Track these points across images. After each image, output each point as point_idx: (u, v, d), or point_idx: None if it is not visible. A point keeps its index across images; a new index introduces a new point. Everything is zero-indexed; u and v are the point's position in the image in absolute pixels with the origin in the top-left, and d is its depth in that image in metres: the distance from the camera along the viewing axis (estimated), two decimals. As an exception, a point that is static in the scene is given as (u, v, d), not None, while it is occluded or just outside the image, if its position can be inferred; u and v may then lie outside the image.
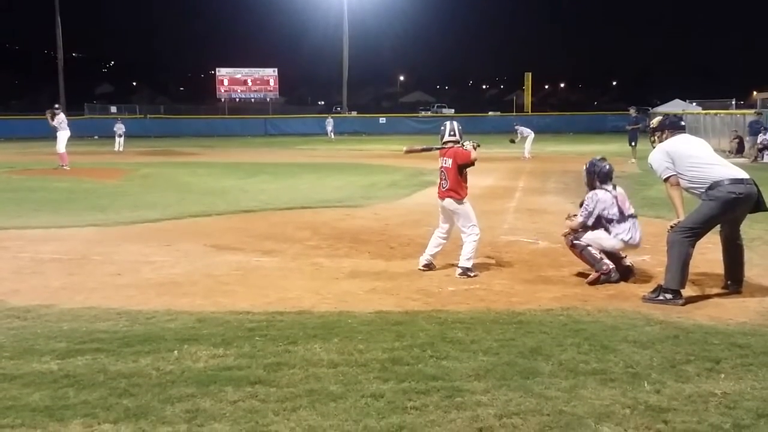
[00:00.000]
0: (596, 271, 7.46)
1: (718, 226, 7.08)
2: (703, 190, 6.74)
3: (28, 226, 11.45)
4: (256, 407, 4.22)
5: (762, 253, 8.73)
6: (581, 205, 7.89)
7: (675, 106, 55.85)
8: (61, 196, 15.86)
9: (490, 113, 70.12)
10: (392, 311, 6.33)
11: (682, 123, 7.49)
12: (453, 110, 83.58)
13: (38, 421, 4.05)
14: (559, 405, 4.22)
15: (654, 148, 7.25)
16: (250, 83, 77.19)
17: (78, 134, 32.84)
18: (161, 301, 6.73)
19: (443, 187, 8.25)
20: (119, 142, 35.79)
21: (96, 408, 4.21)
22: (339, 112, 67.42)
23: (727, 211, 6.75)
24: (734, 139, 29.37)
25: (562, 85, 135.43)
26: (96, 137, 45.65)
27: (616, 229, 7.57)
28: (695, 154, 6.94)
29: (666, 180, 6.91)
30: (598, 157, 8.03)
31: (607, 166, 7.85)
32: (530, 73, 73.22)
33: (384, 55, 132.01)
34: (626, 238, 7.53)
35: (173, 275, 7.93)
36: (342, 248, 9.53)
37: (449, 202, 8.15)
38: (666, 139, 7.17)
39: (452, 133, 8.42)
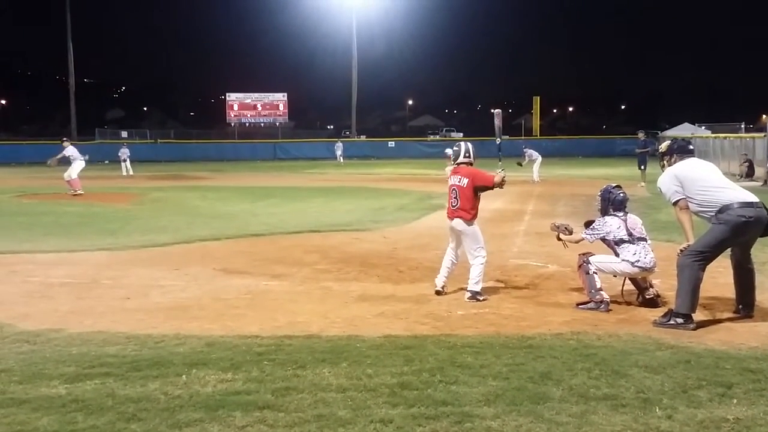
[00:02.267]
0: (589, 299, 7.45)
1: (729, 250, 7.03)
2: (713, 214, 6.72)
3: (39, 250, 11.50)
4: (264, 432, 4.19)
5: (773, 277, 8.65)
6: (587, 225, 7.90)
7: (684, 130, 55.84)
8: (72, 221, 15.93)
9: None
10: (401, 335, 6.30)
11: (691, 147, 7.47)
12: (462, 134, 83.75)
13: (46, 446, 4.04)
14: (569, 431, 4.18)
15: (663, 171, 7.25)
16: (259, 108, 77.70)
17: (89, 159, 33.19)
18: (170, 326, 6.72)
19: (453, 206, 8.26)
20: (126, 167, 35.90)
21: (104, 433, 4.19)
22: (348, 136, 67.68)
23: (737, 234, 6.71)
24: (744, 162, 29.28)
25: (570, 108, 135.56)
26: (107, 162, 45.89)
27: (623, 251, 7.54)
28: (705, 177, 6.94)
29: (675, 204, 6.90)
30: (614, 185, 8.04)
31: (622, 195, 7.86)
32: (539, 97, 73.53)
33: (393, 79, 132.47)
34: (633, 260, 7.48)
35: (182, 299, 7.93)
36: (351, 272, 9.52)
37: (458, 222, 8.17)
38: (675, 162, 7.17)
39: (467, 154, 8.38)
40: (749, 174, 28.51)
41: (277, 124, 77.86)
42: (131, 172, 35.48)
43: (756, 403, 4.60)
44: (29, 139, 62.91)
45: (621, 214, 7.76)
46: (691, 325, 6.53)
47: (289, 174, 36.84)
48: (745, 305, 7.09)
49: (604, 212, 7.83)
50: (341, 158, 51.11)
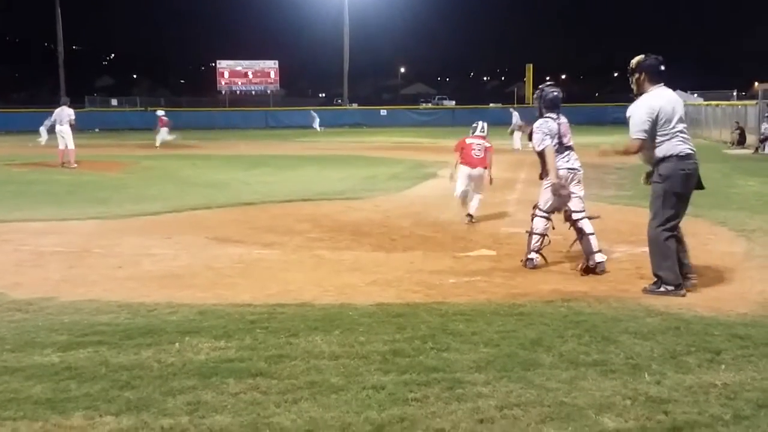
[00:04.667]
0: (586, 260, 7.52)
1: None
2: (654, 163, 6.63)
3: (29, 219, 11.46)
4: (257, 399, 4.23)
5: (762, 244, 8.73)
6: (530, 137, 7.84)
7: (676, 97, 55.69)
8: (62, 189, 15.87)
9: (491, 105, 69.96)
10: (393, 303, 6.33)
11: (663, 68, 6.87)
12: (454, 102, 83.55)
13: (40, 414, 4.06)
14: (559, 396, 4.22)
15: (634, 92, 6.89)
16: (250, 75, 77.15)
17: (79, 127, 32.93)
18: (162, 294, 6.73)
19: (477, 156, 10.87)
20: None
21: (98, 400, 4.22)
22: (340, 104, 67.31)
23: (683, 188, 6.61)
24: (736, 130, 29.30)
25: (563, 76, 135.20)
26: (97, 130, 45.63)
27: (558, 160, 7.56)
28: (673, 118, 6.62)
29: (634, 140, 6.66)
30: (548, 83, 7.98)
31: (555, 93, 7.76)
32: (531, 65, 73.10)
33: (385, 47, 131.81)
34: (566, 166, 7.54)
35: (174, 268, 7.94)
36: (343, 240, 9.54)
37: (480, 169, 10.85)
38: (644, 84, 6.77)
39: (483, 130, 11.15)
40: (741, 142, 28.57)
41: (269, 92, 77.37)
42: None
43: (744, 369, 4.65)
44: (18, 107, 62.40)
45: (554, 115, 7.66)
46: (682, 292, 6.55)
47: (281, 142, 36.69)
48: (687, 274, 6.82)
49: (540, 114, 7.73)
50: (318, 127, 50.69)
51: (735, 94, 54.34)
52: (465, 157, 10.90)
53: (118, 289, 6.98)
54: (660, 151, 6.59)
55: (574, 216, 7.61)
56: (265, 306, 6.24)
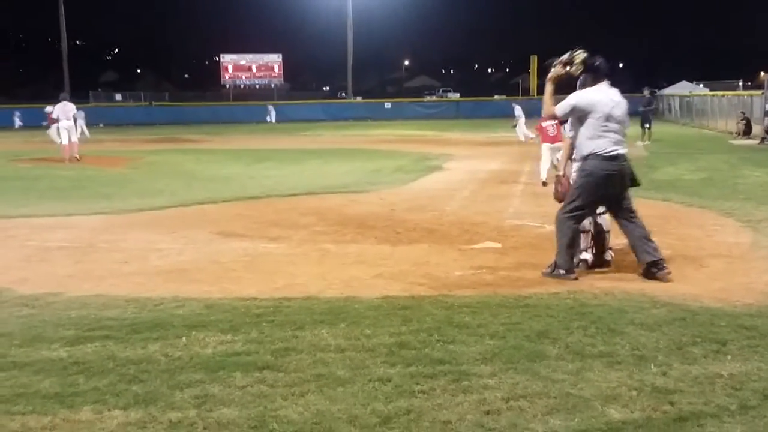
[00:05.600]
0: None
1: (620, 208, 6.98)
2: (580, 158, 6.80)
3: (35, 214, 11.50)
4: (264, 392, 4.24)
5: (769, 235, 8.70)
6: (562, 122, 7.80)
7: (682, 88, 55.60)
8: (67, 185, 15.91)
9: (496, 97, 69.84)
10: (399, 296, 6.34)
11: (605, 66, 7.00)
12: (458, 94, 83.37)
13: (49, 408, 4.08)
14: (565, 388, 4.23)
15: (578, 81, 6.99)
16: (254, 69, 77.15)
17: (83, 122, 33.19)
18: (169, 288, 6.75)
19: (551, 134, 13.75)
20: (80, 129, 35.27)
21: (106, 394, 4.24)
22: (344, 98, 67.24)
23: (602, 188, 6.76)
24: (741, 120, 29.19)
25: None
26: (101, 125, 45.67)
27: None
28: (607, 118, 6.68)
29: (554, 112, 6.95)
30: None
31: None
32: (536, 56, 72.82)
33: (388, 39, 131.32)
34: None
35: (180, 262, 7.96)
36: (348, 234, 9.54)
37: (559, 144, 12.57)
38: (588, 80, 6.88)
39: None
40: (746, 132, 28.46)
41: (273, 85, 77.33)
42: (87, 135, 34.61)
43: (750, 359, 4.65)
44: (23, 102, 62.43)
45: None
46: (572, 276, 6.79)
47: (285, 136, 36.69)
48: (647, 263, 6.85)
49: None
50: (273, 120, 51.13)
51: (741, 84, 54.11)
52: (544, 137, 14.10)
53: (124, 283, 7.00)
54: (588, 147, 6.72)
55: (599, 209, 7.48)
56: (270, 300, 6.25)
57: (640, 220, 6.98)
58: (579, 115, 6.79)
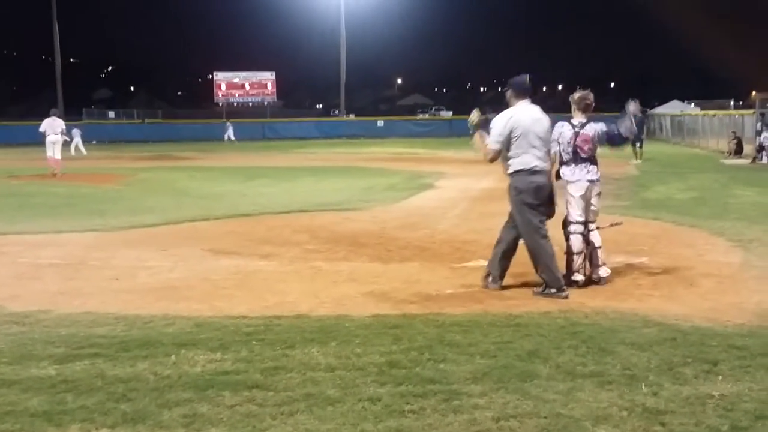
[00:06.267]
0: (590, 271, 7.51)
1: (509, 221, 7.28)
2: (509, 174, 7.08)
3: (27, 231, 11.45)
4: (253, 411, 4.22)
5: (760, 254, 8.74)
6: None
7: (673, 107, 55.98)
8: (60, 201, 15.86)
9: (489, 116, 69.98)
10: (390, 314, 6.33)
11: (528, 85, 7.38)
12: (451, 113, 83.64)
13: (37, 426, 4.05)
14: (556, 408, 4.22)
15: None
16: (247, 87, 77.11)
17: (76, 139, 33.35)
18: (159, 306, 6.72)
19: None
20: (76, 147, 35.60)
21: (94, 413, 4.21)
22: (337, 115, 67.38)
23: (536, 199, 7.00)
24: (733, 139, 29.36)
25: (560, 87, 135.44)
26: (94, 142, 45.61)
27: (575, 171, 7.43)
28: (529, 135, 6.97)
29: (490, 148, 7.12)
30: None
31: (579, 95, 7.49)
32: (528, 76, 73.19)
33: (382, 58, 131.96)
34: (589, 178, 7.40)
35: (171, 280, 7.93)
36: (340, 251, 9.53)
37: None
38: (511, 98, 7.21)
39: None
40: (738, 151, 28.62)
41: (266, 103, 77.40)
42: (84, 152, 34.80)
43: (741, 380, 4.65)
44: (16, 120, 62.36)
45: (577, 121, 7.42)
46: (564, 294, 6.86)
47: (278, 153, 36.70)
48: (497, 276, 7.27)
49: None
50: (231, 138, 50.03)
51: (732, 103, 54.47)
52: None
53: (114, 301, 6.97)
54: (514, 165, 7.03)
55: (589, 226, 7.53)
56: (261, 318, 6.23)
57: (516, 240, 7.22)
58: (519, 139, 7.02)
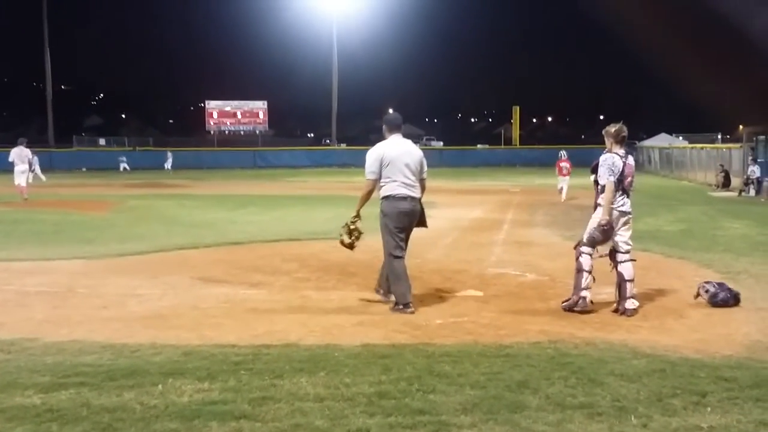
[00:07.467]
0: (573, 296, 7.58)
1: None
2: (380, 199, 7.76)
3: (14, 258, 11.38)
4: (240, 442, 4.17)
5: (748, 286, 8.75)
6: (593, 171, 7.67)
7: (661, 140, 56.39)
8: (48, 229, 15.78)
9: (479, 146, 70.44)
10: (379, 344, 6.30)
11: (398, 121, 8.22)
12: (441, 143, 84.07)
13: (19, 457, 4.00)
14: (546, 439, 4.19)
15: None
16: (239, 116, 77.54)
17: (66, 167, 33.10)
18: (146, 335, 6.67)
19: (564, 172, 22.57)
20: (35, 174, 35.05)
21: (78, 443, 4.16)
22: (328, 144, 67.56)
23: (400, 222, 7.75)
24: (720, 173, 29.59)
25: (549, 118, 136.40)
26: (84, 169, 45.58)
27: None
28: (397, 165, 7.72)
29: (366, 180, 7.89)
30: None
31: (615, 129, 7.62)
32: (518, 107, 73.87)
33: (373, 87, 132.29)
34: (623, 209, 7.50)
35: (159, 308, 7.88)
36: (330, 280, 9.51)
37: (566, 178, 22.77)
38: (385, 133, 7.99)
39: (564, 155, 22.66)
40: (725, 184, 28.82)
41: (257, 132, 77.70)
42: (42, 179, 34.14)
43: (730, 411, 4.64)
44: (7, 146, 62.30)
45: (621, 152, 7.56)
46: (410, 309, 7.52)
47: (269, 182, 36.74)
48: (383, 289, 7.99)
49: (609, 149, 7.63)
50: (169, 168, 49.52)
51: (719, 137, 54.93)
52: (559, 171, 22.87)
53: (102, 329, 6.91)
54: (383, 191, 7.76)
55: (619, 257, 7.62)
56: (250, 347, 6.19)
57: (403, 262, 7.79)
58: (390, 168, 7.74)
